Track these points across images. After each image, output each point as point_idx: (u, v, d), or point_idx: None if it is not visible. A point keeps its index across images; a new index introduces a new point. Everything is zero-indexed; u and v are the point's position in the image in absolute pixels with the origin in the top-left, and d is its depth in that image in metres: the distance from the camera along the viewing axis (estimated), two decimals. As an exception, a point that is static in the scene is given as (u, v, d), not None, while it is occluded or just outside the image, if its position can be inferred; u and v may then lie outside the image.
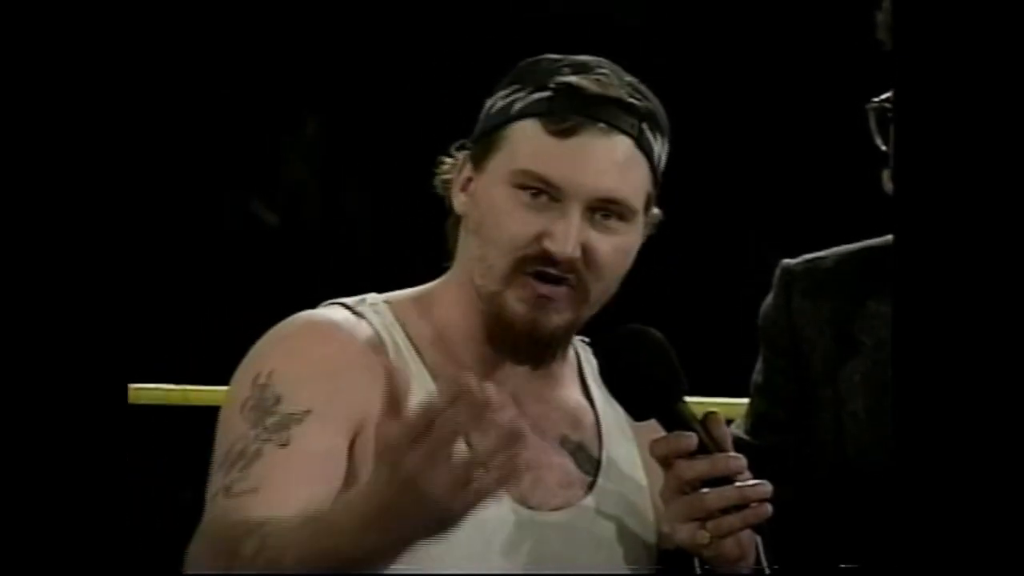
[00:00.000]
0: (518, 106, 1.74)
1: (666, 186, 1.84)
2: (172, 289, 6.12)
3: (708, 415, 1.74)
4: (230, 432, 1.70)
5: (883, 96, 1.89)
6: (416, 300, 1.82)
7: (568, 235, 1.71)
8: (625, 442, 1.85)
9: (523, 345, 1.77)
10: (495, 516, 1.69)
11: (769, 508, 1.72)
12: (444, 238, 1.85)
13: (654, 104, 1.81)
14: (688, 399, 1.79)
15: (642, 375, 1.75)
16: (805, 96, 5.85)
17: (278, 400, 1.68)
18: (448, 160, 1.83)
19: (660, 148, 1.81)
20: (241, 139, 6.44)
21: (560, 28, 5.81)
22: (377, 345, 1.75)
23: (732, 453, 1.72)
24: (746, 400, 2.06)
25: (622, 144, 1.76)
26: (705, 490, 1.71)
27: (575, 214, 1.72)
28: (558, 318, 1.75)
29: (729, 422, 1.91)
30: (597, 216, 1.76)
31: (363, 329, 1.76)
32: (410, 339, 1.78)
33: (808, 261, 1.95)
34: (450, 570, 1.65)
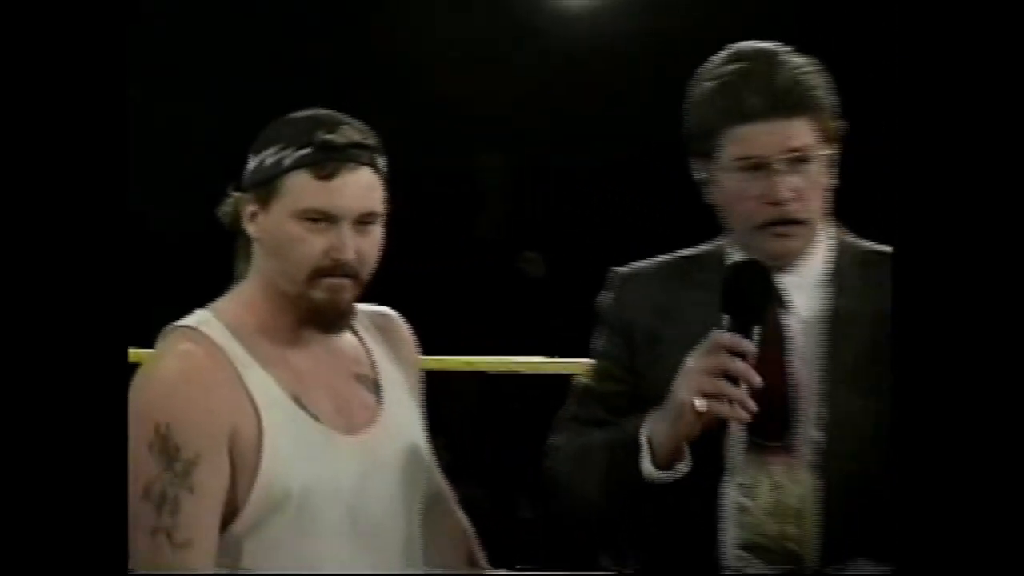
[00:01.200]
0: (288, 161, 2.29)
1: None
2: (172, 263, 6.84)
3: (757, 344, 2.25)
4: (145, 466, 2.25)
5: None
6: (235, 304, 2.35)
7: (346, 246, 2.28)
8: (389, 362, 2.44)
9: (325, 321, 2.33)
10: (320, 442, 2.28)
11: (747, 416, 2.20)
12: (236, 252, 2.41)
13: (376, 138, 2.35)
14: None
15: (750, 297, 2.29)
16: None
17: (178, 449, 2.25)
18: (228, 199, 2.38)
19: (384, 165, 2.35)
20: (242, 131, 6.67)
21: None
22: (223, 361, 2.29)
23: (754, 373, 2.22)
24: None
25: (365, 173, 2.31)
26: (724, 380, 2.23)
27: (347, 230, 2.28)
28: (347, 297, 2.31)
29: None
30: (359, 226, 2.32)
31: (211, 353, 2.30)
32: (239, 340, 2.31)
33: (633, 268, 2.50)
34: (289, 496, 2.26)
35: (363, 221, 2.30)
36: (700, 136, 2.31)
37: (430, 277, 6.69)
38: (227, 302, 2.33)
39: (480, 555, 2.49)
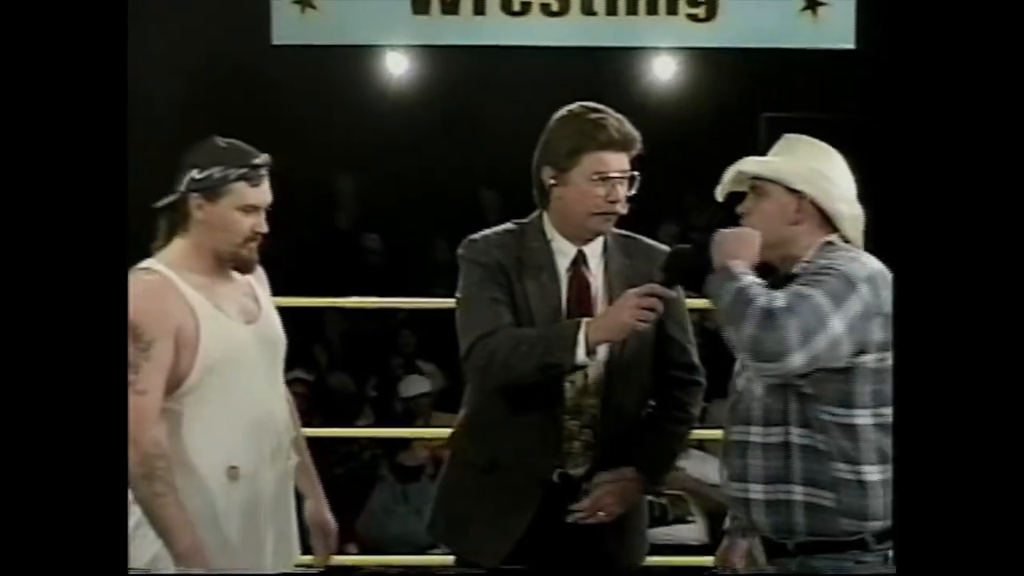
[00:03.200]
0: (233, 175, 3.36)
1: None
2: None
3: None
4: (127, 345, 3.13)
5: None
6: (171, 256, 3.39)
7: (263, 224, 3.40)
8: (260, 289, 3.55)
9: (248, 266, 3.45)
10: (232, 328, 3.38)
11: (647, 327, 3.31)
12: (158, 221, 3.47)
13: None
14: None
15: (683, 266, 3.23)
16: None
17: (142, 334, 3.25)
18: (172, 196, 3.43)
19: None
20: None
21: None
22: (170, 284, 3.33)
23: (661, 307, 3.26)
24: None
25: (267, 181, 3.42)
26: (649, 311, 3.25)
27: (263, 214, 3.41)
28: (257, 254, 3.46)
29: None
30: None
31: (163, 278, 3.34)
32: (178, 274, 3.34)
33: (484, 232, 3.51)
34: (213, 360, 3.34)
35: (266, 209, 3.47)
36: (566, 155, 3.37)
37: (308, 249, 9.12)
38: (165, 255, 3.45)
39: (295, 411, 3.64)
